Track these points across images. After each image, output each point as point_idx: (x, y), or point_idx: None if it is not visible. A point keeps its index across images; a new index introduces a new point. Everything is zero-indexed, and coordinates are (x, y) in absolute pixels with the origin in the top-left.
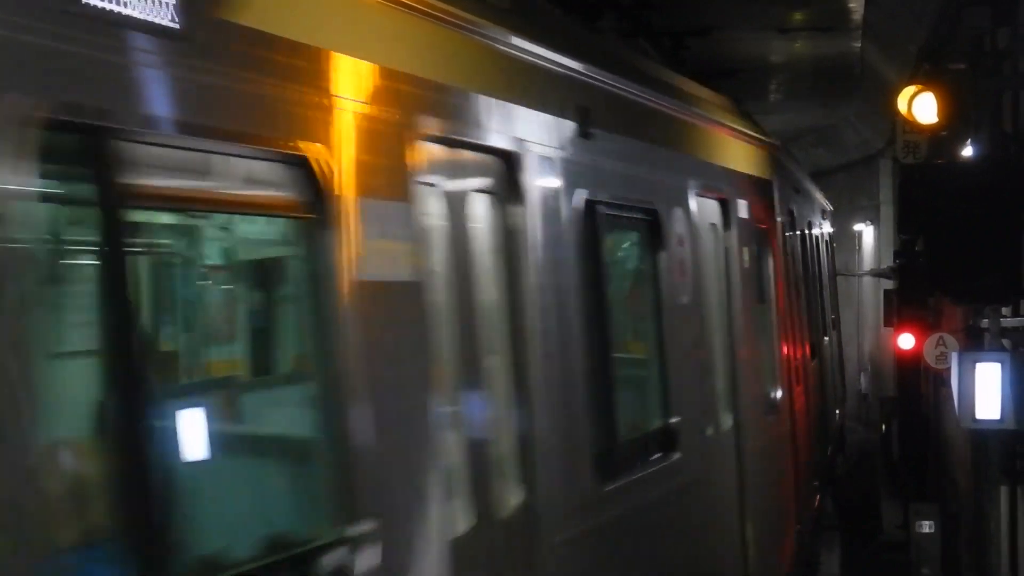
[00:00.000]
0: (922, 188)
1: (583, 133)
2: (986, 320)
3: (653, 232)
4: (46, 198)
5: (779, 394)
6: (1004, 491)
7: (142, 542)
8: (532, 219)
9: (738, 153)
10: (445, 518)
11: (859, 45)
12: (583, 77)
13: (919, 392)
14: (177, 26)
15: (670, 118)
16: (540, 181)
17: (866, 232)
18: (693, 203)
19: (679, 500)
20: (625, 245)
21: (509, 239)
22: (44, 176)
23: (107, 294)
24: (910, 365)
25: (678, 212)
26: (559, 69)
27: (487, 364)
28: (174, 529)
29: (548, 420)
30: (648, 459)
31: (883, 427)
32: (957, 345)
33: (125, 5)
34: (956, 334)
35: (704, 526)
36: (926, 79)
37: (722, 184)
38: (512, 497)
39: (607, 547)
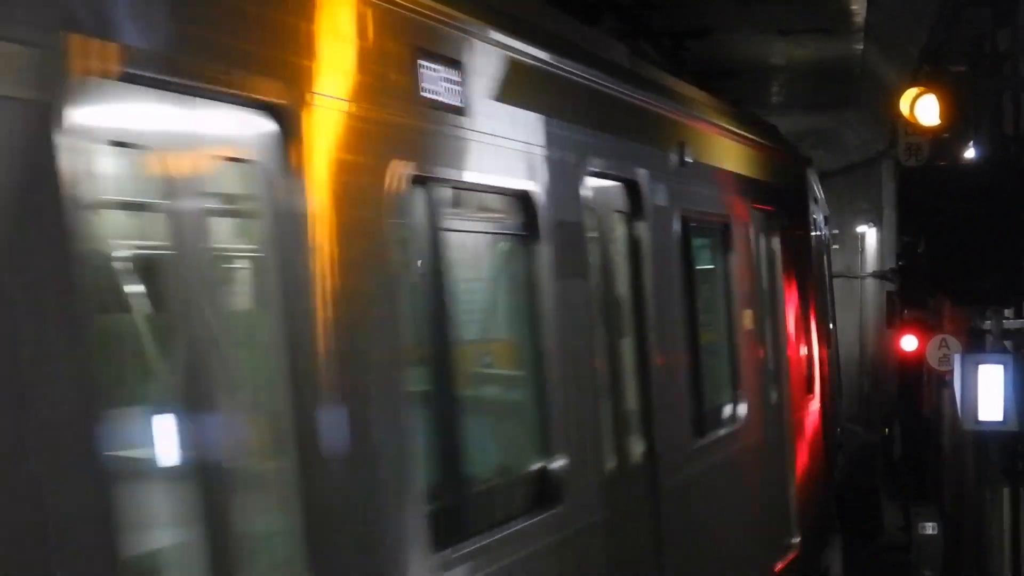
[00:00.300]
0: (923, 190)
1: (681, 162)
2: (988, 322)
3: (725, 239)
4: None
5: (816, 376)
6: (1006, 493)
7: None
8: (650, 232)
9: (785, 170)
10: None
11: (861, 47)
12: (683, 119)
13: (921, 394)
14: (461, 104)
15: (735, 146)
16: (656, 202)
17: (869, 234)
18: (753, 215)
19: (748, 455)
20: (707, 249)
21: (635, 247)
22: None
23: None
24: (912, 367)
25: (744, 223)
26: (670, 115)
27: (627, 344)
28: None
29: (665, 389)
30: (728, 421)
31: (885, 429)
32: (960, 347)
33: (439, 94)
34: (958, 336)
35: (769, 469)
36: (927, 81)
37: (773, 197)
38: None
39: (702, 490)
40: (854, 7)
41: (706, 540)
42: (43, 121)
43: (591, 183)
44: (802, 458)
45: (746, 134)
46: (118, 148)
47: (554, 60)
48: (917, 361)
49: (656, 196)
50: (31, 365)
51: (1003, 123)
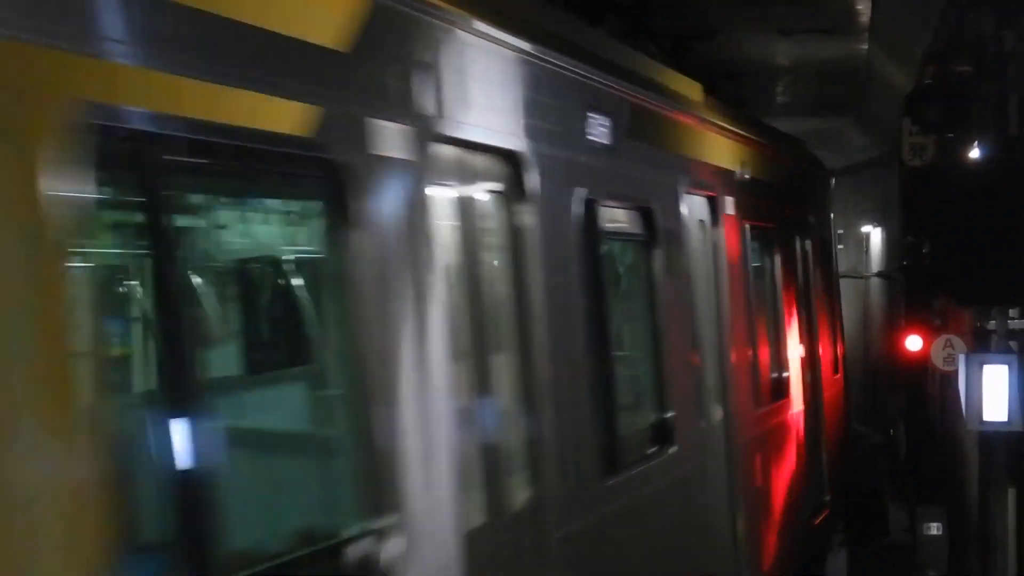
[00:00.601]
0: (927, 191)
1: (740, 179)
2: (993, 322)
3: (780, 242)
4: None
5: (839, 361)
6: (1012, 493)
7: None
8: (723, 235)
9: (820, 184)
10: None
11: (866, 47)
12: (744, 144)
13: (926, 394)
14: (611, 144)
15: (791, 168)
16: (726, 211)
17: (874, 234)
18: (794, 222)
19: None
20: (765, 252)
21: (715, 249)
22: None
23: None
24: (917, 367)
25: (788, 230)
26: (739, 142)
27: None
28: None
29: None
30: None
31: (889, 429)
32: (965, 347)
33: (600, 137)
34: (963, 336)
35: (811, 437)
36: (932, 81)
37: (806, 206)
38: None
39: (768, 448)
40: (859, 7)
41: (771, 491)
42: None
43: (686, 198)
44: (832, 431)
45: (789, 154)
46: None
47: (664, 105)
48: (922, 361)
49: (726, 207)
50: None
51: (1007, 124)
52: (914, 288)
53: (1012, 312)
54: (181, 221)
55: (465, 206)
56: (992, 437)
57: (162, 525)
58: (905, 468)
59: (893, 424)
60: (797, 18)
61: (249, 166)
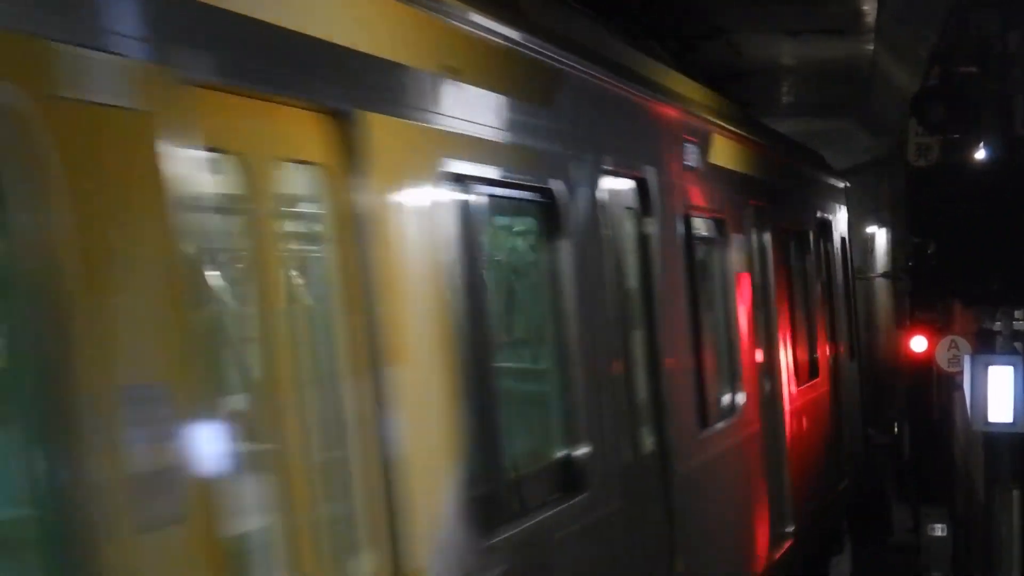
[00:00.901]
0: (933, 191)
1: (780, 192)
2: (998, 323)
3: (810, 241)
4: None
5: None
6: (1016, 494)
7: None
8: (763, 240)
9: (840, 194)
10: None
11: (871, 48)
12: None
13: (930, 394)
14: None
15: (818, 181)
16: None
17: (879, 235)
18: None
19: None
20: (797, 252)
21: (768, 250)
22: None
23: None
24: (922, 367)
25: (823, 236)
26: (795, 164)
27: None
28: None
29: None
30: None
31: (894, 429)
32: (969, 348)
33: (690, 161)
34: (968, 337)
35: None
36: (937, 82)
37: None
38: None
39: (804, 420)
40: (864, 8)
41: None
42: None
43: (748, 210)
44: (849, 416)
45: (821, 172)
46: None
47: (739, 131)
48: (927, 362)
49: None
50: None
51: (1013, 124)
52: (919, 289)
53: (1017, 313)
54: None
55: (617, 219)
56: (997, 438)
57: None
58: (909, 469)
59: (898, 425)
60: (802, 18)
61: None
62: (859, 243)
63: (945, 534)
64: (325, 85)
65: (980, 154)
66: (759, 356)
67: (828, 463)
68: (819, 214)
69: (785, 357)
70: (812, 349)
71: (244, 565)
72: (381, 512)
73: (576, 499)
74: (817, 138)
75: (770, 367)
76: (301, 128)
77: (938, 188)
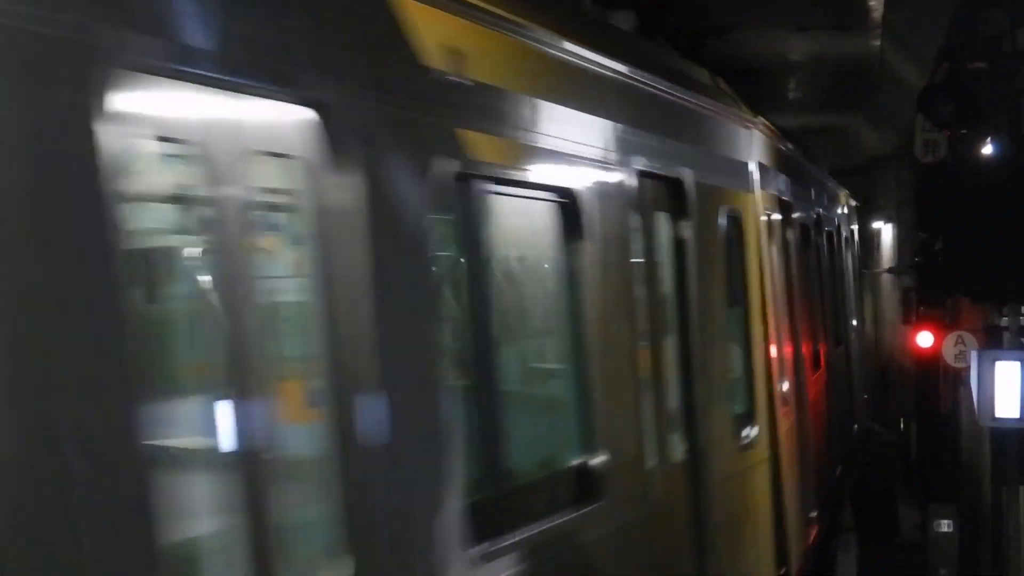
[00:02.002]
0: (940, 187)
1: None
2: (1005, 319)
3: (833, 239)
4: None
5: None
6: (1023, 491)
7: None
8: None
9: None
10: None
11: (879, 44)
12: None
13: (937, 390)
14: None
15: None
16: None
17: (885, 230)
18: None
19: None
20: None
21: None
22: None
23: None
24: (928, 363)
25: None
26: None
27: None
28: None
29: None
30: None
31: (900, 426)
32: (976, 343)
33: (773, 190)
34: (975, 333)
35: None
36: (945, 78)
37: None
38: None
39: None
40: (872, 4)
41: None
42: None
43: (814, 219)
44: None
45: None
46: None
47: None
48: (933, 358)
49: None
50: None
51: (1021, 121)
52: (926, 285)
53: None
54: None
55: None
56: (1004, 434)
57: None
58: (916, 466)
59: (904, 421)
60: (811, 14)
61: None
62: (866, 238)
63: (952, 530)
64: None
65: (988, 150)
66: (798, 348)
67: (829, 450)
68: (822, 211)
69: (805, 349)
70: (817, 342)
71: None
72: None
73: None
74: (824, 134)
75: (800, 359)
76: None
77: (945, 184)
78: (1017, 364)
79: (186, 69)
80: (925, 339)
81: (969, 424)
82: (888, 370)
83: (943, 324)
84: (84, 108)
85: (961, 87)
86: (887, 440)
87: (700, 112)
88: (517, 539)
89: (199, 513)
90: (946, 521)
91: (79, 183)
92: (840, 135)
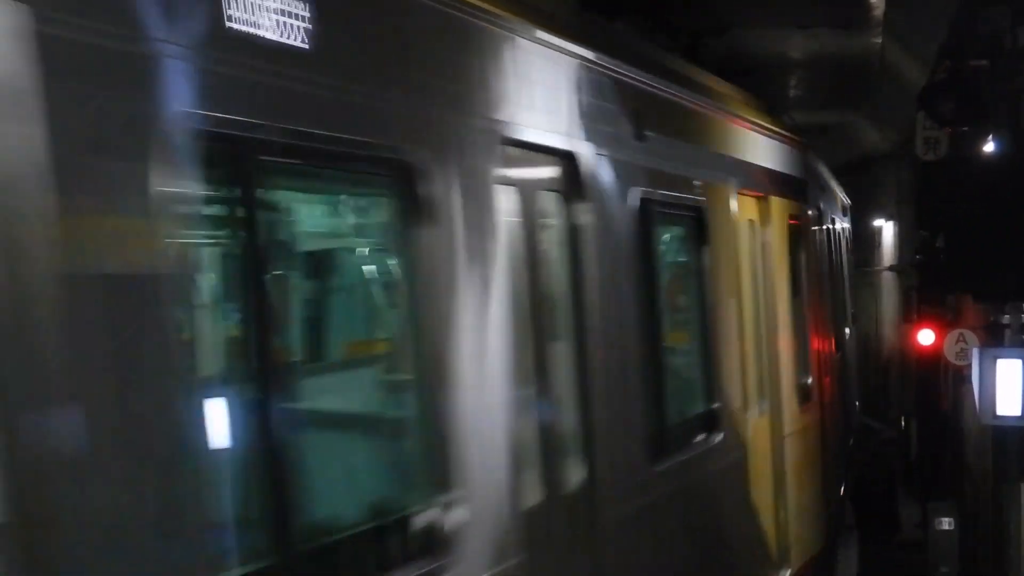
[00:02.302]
0: (941, 185)
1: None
2: (1007, 316)
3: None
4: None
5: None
6: None
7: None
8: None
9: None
10: None
11: (879, 42)
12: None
13: (938, 388)
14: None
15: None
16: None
17: (886, 228)
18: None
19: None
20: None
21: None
22: None
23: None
24: (929, 361)
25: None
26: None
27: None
28: None
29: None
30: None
31: (901, 424)
32: (977, 341)
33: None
34: (976, 330)
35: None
36: (946, 76)
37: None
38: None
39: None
40: (873, 1)
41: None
42: None
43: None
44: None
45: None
46: None
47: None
48: (934, 356)
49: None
50: None
51: (1022, 118)
52: (927, 282)
53: None
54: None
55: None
56: (1005, 431)
57: None
58: (917, 464)
59: (905, 419)
60: (811, 12)
61: None
62: (866, 236)
63: (952, 528)
64: None
65: (989, 148)
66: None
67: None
68: (835, 217)
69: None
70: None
71: None
72: None
73: None
74: (825, 132)
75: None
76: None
77: (946, 182)
78: (1018, 362)
79: None
80: (926, 337)
81: (970, 422)
82: (889, 368)
83: (944, 322)
84: None
85: (962, 85)
86: (888, 438)
87: (786, 147)
88: (682, 458)
89: None
90: (947, 519)
91: None
92: (841, 133)
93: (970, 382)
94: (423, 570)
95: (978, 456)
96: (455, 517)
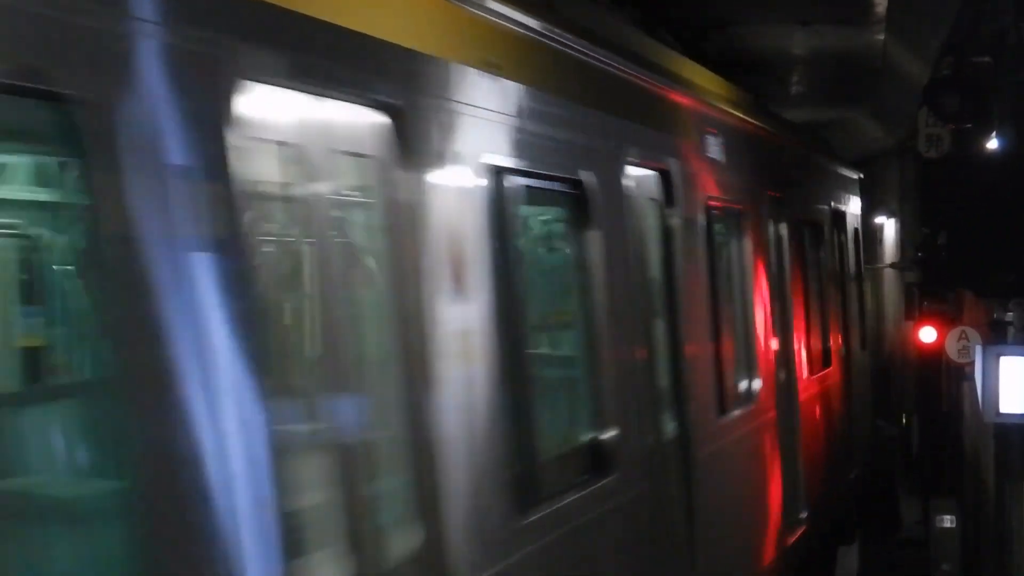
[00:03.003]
0: (944, 182)
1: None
2: (1010, 314)
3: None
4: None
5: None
6: None
7: None
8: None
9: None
10: None
11: (882, 38)
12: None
13: (939, 386)
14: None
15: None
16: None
17: (888, 225)
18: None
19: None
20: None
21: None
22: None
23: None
24: (931, 358)
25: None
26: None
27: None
28: None
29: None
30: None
31: (903, 421)
32: (980, 339)
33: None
34: (979, 328)
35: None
36: (949, 72)
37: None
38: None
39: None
40: None
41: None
42: None
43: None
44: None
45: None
46: None
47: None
48: (936, 353)
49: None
50: None
51: None
52: (929, 280)
53: None
54: None
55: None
56: (1008, 429)
57: None
58: (918, 461)
59: (907, 416)
60: (813, 9)
61: None
62: (868, 233)
63: (954, 526)
64: None
65: (992, 144)
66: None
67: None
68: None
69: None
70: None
71: None
72: None
73: None
74: (827, 128)
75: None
76: None
77: (949, 178)
78: (1021, 359)
79: None
80: (928, 334)
81: (972, 419)
82: (891, 365)
83: (946, 319)
84: None
85: (965, 81)
86: (889, 435)
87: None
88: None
89: None
90: (948, 516)
91: None
92: (842, 129)
93: (972, 380)
94: (601, 481)
95: (980, 454)
96: (618, 446)
